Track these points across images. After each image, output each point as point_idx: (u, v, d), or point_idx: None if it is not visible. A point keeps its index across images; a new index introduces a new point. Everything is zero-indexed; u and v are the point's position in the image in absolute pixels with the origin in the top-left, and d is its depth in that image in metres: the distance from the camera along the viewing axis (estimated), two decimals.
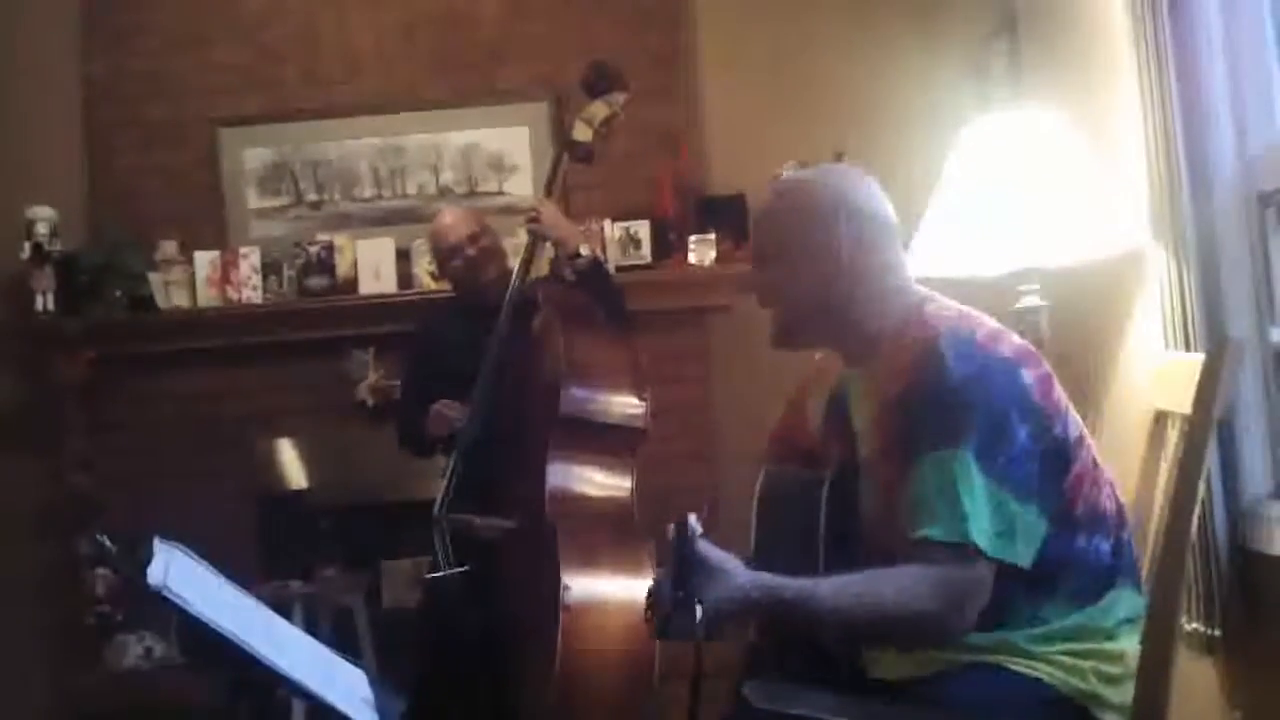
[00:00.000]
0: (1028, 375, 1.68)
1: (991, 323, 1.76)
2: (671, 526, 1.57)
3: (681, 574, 1.54)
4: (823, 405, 1.93)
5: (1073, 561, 1.68)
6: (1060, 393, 1.73)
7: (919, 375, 1.68)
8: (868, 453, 1.77)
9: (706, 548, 1.57)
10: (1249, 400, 2.12)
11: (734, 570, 1.59)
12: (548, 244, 3.06)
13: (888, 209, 1.84)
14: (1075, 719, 1.67)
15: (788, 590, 1.60)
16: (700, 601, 1.53)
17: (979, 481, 1.61)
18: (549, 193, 3.09)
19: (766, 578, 1.61)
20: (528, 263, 3.05)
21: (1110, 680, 1.67)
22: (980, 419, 1.63)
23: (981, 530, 1.60)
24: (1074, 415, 1.74)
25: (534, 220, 3.00)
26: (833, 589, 1.62)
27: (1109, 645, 1.68)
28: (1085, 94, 2.65)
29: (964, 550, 1.61)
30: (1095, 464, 1.74)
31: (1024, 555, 1.63)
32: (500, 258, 3.25)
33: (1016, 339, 1.75)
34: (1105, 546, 1.70)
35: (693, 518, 1.56)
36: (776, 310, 1.86)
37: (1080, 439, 1.72)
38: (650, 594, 1.64)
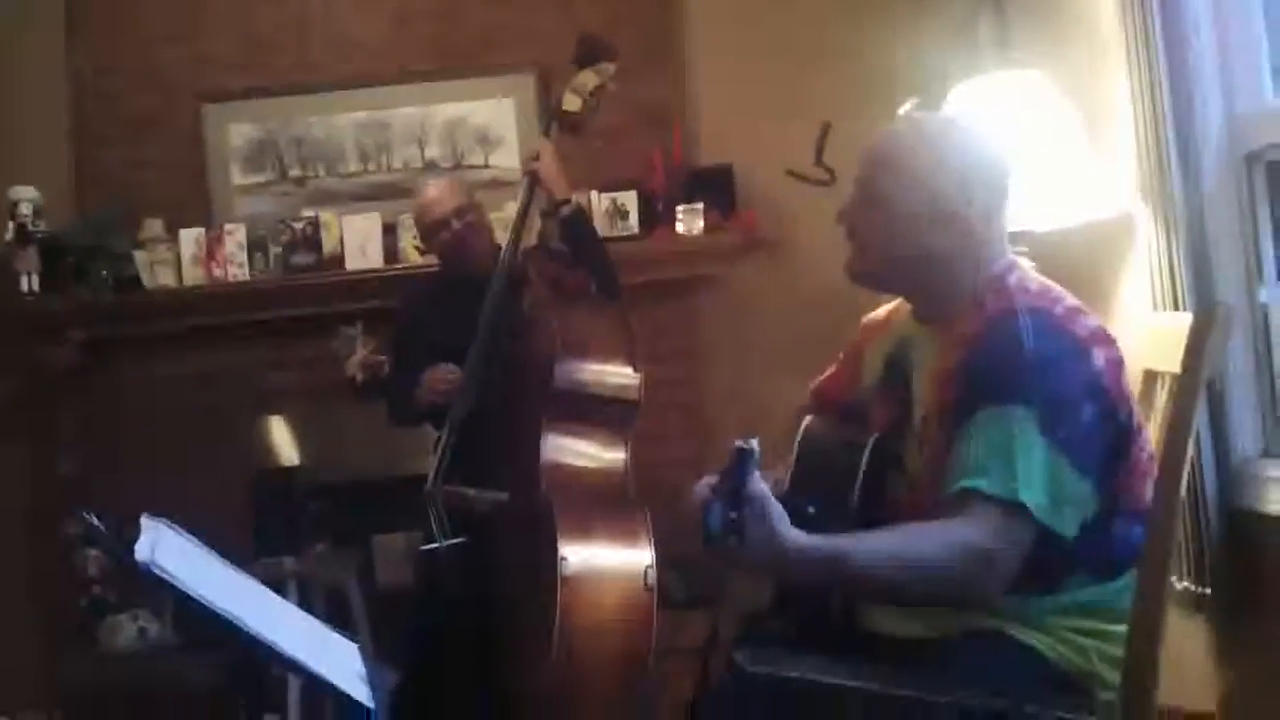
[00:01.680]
0: (1100, 358, 1.67)
1: (1070, 299, 1.74)
2: (733, 450, 1.50)
3: (738, 498, 1.48)
4: (878, 363, 1.90)
5: (1103, 542, 1.67)
6: (1128, 378, 1.71)
7: (991, 342, 1.66)
8: (924, 415, 1.75)
9: (762, 486, 1.51)
10: (1238, 360, 2.12)
11: (779, 517, 1.52)
12: (537, 210, 3.06)
13: (1010, 171, 1.78)
14: (1073, 694, 1.67)
15: (823, 550, 1.57)
16: (746, 538, 1.48)
17: (1038, 444, 1.59)
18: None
19: (804, 538, 1.55)
20: (523, 216, 3.04)
21: (1112, 662, 1.67)
22: (1048, 388, 1.61)
23: (1032, 493, 1.58)
24: (1136, 405, 1.72)
25: (535, 160, 3.00)
26: (868, 551, 1.59)
27: (1115, 628, 1.67)
28: (1073, 57, 2.64)
29: (1010, 508, 1.59)
30: (1149, 456, 1.72)
31: (1070, 526, 1.62)
32: (487, 232, 3.24)
33: (1093, 319, 1.72)
34: (1135, 534, 1.68)
35: (754, 441, 1.50)
36: (865, 248, 1.79)
37: (1139, 429, 1.71)
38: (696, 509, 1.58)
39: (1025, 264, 1.82)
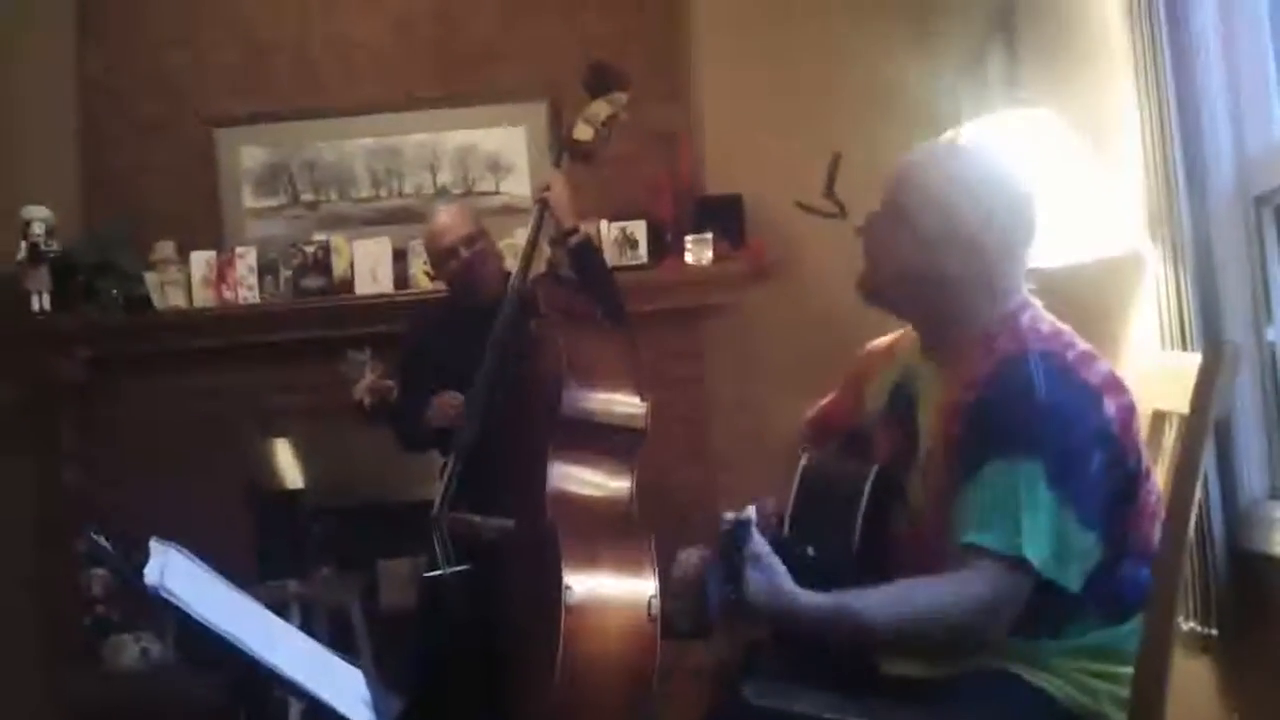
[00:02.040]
0: (1111, 406, 1.66)
1: (1083, 344, 1.73)
2: (729, 517, 1.51)
3: (734, 568, 1.49)
4: (883, 392, 1.89)
5: (1111, 586, 1.67)
6: (1138, 424, 1.71)
7: (1001, 385, 1.65)
8: (928, 448, 1.74)
9: (760, 543, 1.54)
10: (1246, 401, 2.12)
11: (783, 575, 1.56)
12: (546, 237, 3.08)
13: (1035, 209, 1.77)
14: None
15: (827, 607, 1.58)
16: (747, 598, 1.50)
17: (1045, 499, 1.59)
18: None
19: (807, 596, 1.57)
20: (533, 243, 3.07)
21: (1120, 703, 1.67)
22: (1057, 439, 1.61)
23: (1036, 548, 1.58)
24: (1145, 450, 1.72)
25: (546, 189, 3.03)
26: (871, 606, 1.61)
27: (1124, 669, 1.67)
28: (1082, 94, 2.66)
29: (1014, 564, 1.59)
30: (1157, 499, 1.72)
31: (1075, 580, 1.62)
32: (496, 259, 3.27)
33: (1105, 365, 1.72)
34: (1143, 576, 1.68)
35: (752, 510, 1.52)
36: (879, 265, 1.78)
37: (1148, 472, 1.71)
38: (691, 586, 1.60)
39: (1037, 304, 1.80)
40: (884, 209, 1.79)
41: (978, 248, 1.72)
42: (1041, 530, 1.59)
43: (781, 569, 1.55)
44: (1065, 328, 1.77)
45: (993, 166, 1.79)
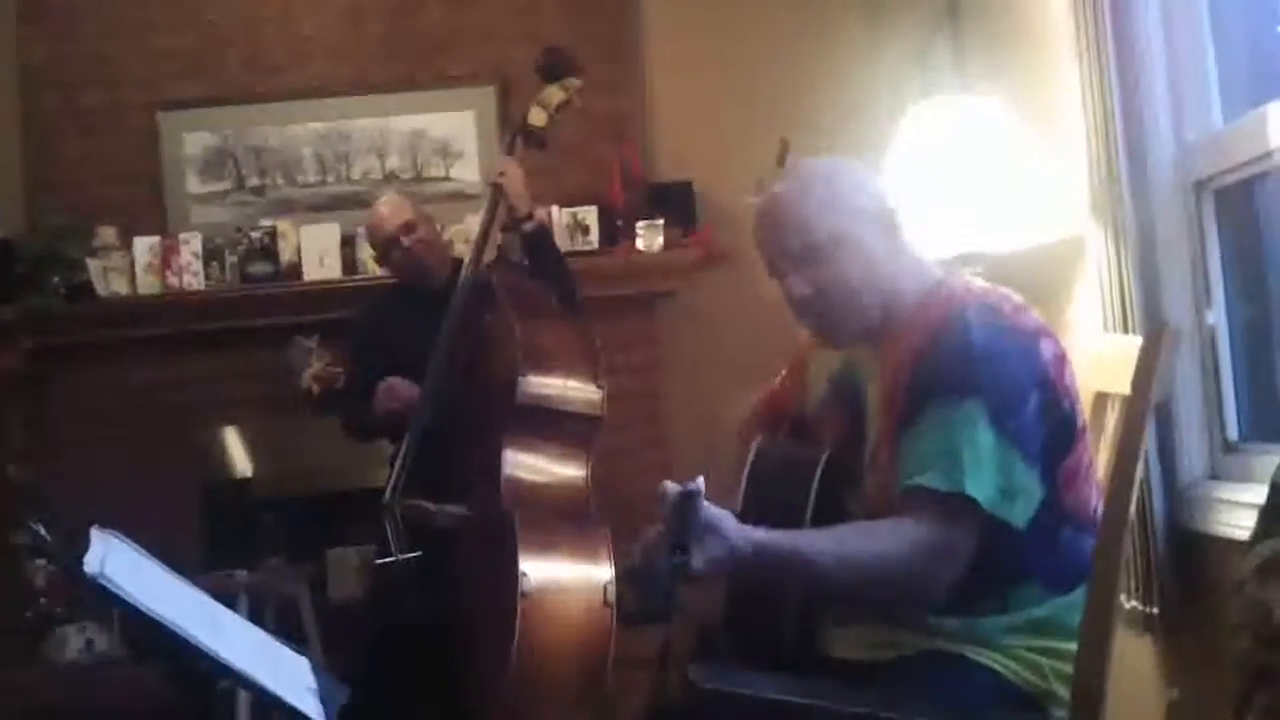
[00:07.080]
0: (1047, 350, 1.69)
1: (1016, 297, 1.76)
2: (675, 491, 1.51)
3: (681, 541, 1.49)
4: (823, 377, 1.91)
5: (1053, 550, 1.68)
6: (1072, 375, 1.73)
7: (938, 337, 1.67)
8: (878, 429, 1.75)
9: (709, 512, 1.53)
10: (1186, 383, 2.16)
11: (728, 527, 1.55)
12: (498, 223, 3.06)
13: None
14: (1032, 713, 1.68)
15: (771, 546, 1.58)
16: (691, 567, 1.50)
17: (985, 436, 1.61)
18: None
19: (757, 535, 1.57)
20: (487, 230, 3.04)
21: (1067, 680, 1.68)
22: (995, 378, 1.63)
23: (980, 486, 1.59)
24: (1080, 405, 1.75)
25: (500, 175, 3.00)
26: (817, 548, 1.61)
27: (1069, 645, 1.68)
28: (1026, 81, 2.68)
29: (958, 503, 1.60)
30: (1090, 461, 1.74)
31: (1020, 516, 1.62)
32: (439, 248, 3.24)
33: (1038, 315, 1.75)
34: (1085, 546, 1.69)
35: (700, 480, 1.51)
36: (827, 310, 1.78)
37: (1084, 429, 1.73)
38: (633, 571, 1.60)
39: (957, 272, 1.85)
40: (799, 262, 1.77)
41: (886, 250, 1.76)
42: (984, 468, 1.60)
43: (730, 522, 1.54)
44: (995, 285, 1.80)
45: (848, 174, 1.81)
